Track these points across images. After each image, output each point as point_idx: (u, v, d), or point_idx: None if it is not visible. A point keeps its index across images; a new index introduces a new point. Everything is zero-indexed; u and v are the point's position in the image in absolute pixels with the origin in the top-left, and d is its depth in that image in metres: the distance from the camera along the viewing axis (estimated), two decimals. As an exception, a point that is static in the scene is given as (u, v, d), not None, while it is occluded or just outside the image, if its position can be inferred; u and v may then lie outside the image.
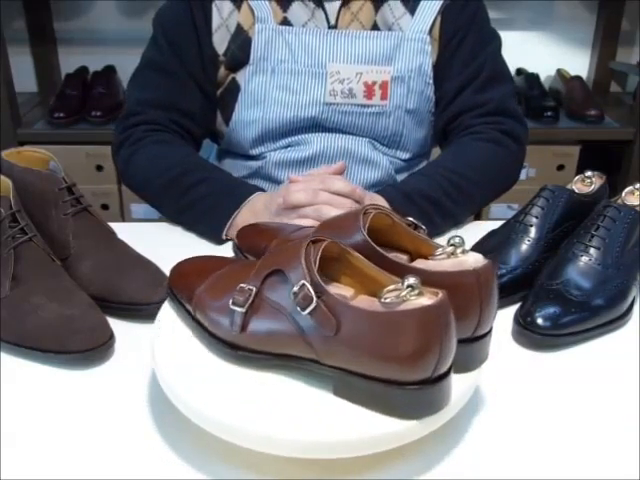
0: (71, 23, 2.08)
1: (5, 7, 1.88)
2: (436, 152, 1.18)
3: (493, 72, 1.05)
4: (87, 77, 2.05)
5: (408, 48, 1.02)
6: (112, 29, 2.08)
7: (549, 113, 1.95)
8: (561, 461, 0.58)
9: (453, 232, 0.96)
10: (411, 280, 0.50)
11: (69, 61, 2.09)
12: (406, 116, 1.05)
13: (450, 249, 0.58)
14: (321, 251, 0.54)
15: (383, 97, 1.03)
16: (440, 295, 0.49)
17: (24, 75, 2.04)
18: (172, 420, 0.59)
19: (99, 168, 1.91)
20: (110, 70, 2.05)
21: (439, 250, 0.59)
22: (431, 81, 1.05)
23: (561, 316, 0.71)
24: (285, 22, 1.02)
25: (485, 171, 0.99)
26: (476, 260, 0.57)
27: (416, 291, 0.50)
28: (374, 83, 1.02)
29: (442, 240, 0.86)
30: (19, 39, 2.04)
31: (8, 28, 1.97)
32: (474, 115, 1.04)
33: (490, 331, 0.58)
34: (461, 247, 0.58)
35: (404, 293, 0.50)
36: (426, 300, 0.50)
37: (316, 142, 1.05)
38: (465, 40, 1.04)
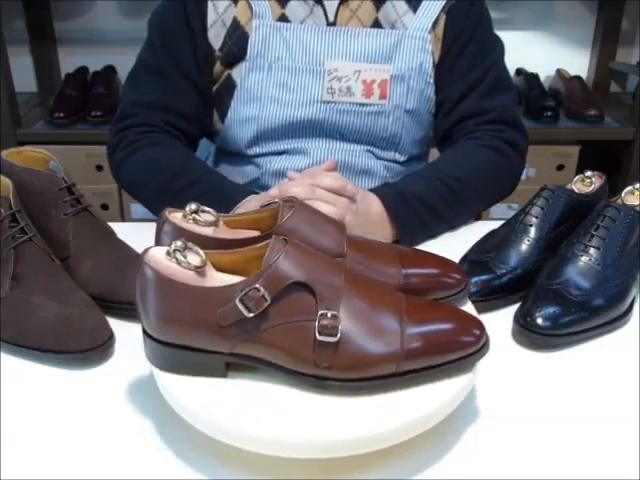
0: (71, 23, 2.08)
1: (5, 7, 1.88)
2: (434, 153, 1.17)
3: (497, 79, 1.04)
4: (87, 77, 2.05)
5: (409, 46, 1.01)
6: (112, 29, 2.08)
7: (549, 113, 1.95)
8: (561, 461, 0.58)
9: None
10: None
11: (69, 61, 2.09)
12: (405, 116, 1.03)
13: None
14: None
15: (382, 96, 1.01)
16: None
17: (24, 75, 2.04)
18: (170, 421, 0.59)
19: (99, 168, 1.91)
20: (110, 70, 2.05)
21: None
22: (431, 80, 1.03)
23: (561, 316, 0.71)
24: (283, 18, 1.01)
25: (483, 178, 0.98)
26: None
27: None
28: (373, 81, 1.00)
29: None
30: (19, 39, 2.04)
31: (8, 28, 1.96)
32: (477, 122, 1.02)
33: None
34: None
35: None
36: None
37: (314, 153, 1.04)
38: (469, 43, 1.02)
